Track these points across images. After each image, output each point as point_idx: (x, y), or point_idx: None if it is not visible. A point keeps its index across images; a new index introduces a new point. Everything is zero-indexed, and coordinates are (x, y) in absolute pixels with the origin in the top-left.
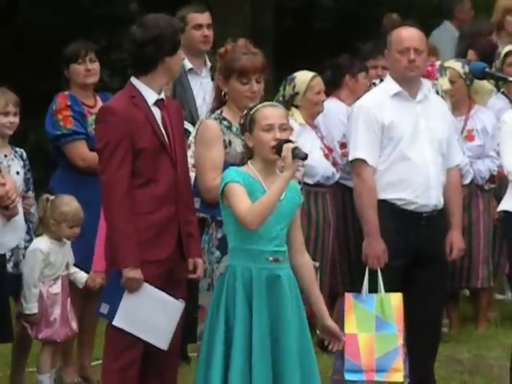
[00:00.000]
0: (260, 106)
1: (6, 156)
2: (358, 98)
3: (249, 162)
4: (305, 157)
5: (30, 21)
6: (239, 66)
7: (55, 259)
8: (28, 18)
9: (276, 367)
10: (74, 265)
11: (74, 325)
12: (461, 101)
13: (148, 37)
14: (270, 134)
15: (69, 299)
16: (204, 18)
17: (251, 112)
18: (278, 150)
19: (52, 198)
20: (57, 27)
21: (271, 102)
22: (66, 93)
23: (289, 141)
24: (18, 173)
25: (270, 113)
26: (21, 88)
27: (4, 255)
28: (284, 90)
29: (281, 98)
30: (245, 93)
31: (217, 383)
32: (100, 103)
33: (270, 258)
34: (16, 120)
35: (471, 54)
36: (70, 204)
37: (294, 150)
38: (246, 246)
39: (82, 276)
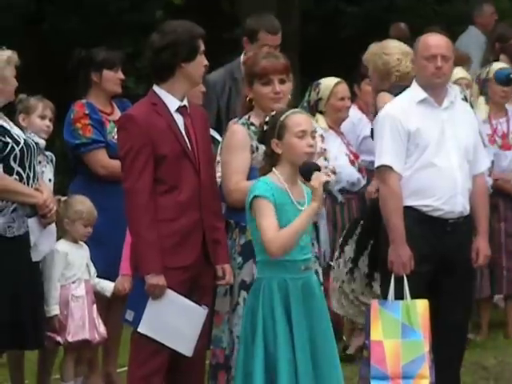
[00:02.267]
0: (289, 112)
1: (40, 162)
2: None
3: (274, 170)
4: (338, 200)
5: (56, 28)
6: (260, 69)
7: (73, 259)
8: (54, 26)
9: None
10: (97, 276)
11: (102, 330)
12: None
13: (164, 42)
14: (304, 140)
15: (95, 305)
16: (274, 39)
17: (281, 118)
18: (304, 169)
19: (64, 198)
20: (83, 34)
21: (298, 109)
22: (84, 101)
23: (318, 167)
24: (50, 180)
25: (302, 119)
26: (48, 94)
27: (38, 263)
28: (309, 95)
29: (305, 104)
30: (268, 95)
31: None
32: (117, 110)
33: (303, 267)
34: (51, 126)
35: (503, 58)
36: (84, 202)
37: (326, 184)
38: (279, 258)
39: (107, 284)
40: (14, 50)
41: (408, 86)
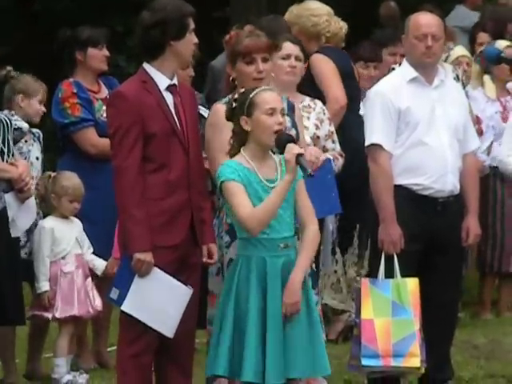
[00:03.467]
0: (258, 89)
1: (26, 141)
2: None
3: (242, 150)
4: (307, 169)
5: (48, 8)
6: (243, 48)
7: (61, 235)
8: (45, 5)
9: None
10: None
11: (98, 304)
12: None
13: (153, 20)
14: (273, 117)
15: (89, 279)
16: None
17: (251, 95)
18: (278, 142)
19: (54, 174)
20: (74, 14)
21: (268, 87)
22: (71, 80)
23: (292, 138)
24: (37, 158)
25: (272, 97)
26: (39, 74)
27: (18, 238)
28: None
29: None
30: (251, 74)
31: (222, 370)
32: (104, 88)
33: (281, 245)
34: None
35: (482, 36)
36: (70, 179)
37: (299, 156)
38: (257, 236)
39: (100, 263)
40: (5, 29)
41: (339, 48)
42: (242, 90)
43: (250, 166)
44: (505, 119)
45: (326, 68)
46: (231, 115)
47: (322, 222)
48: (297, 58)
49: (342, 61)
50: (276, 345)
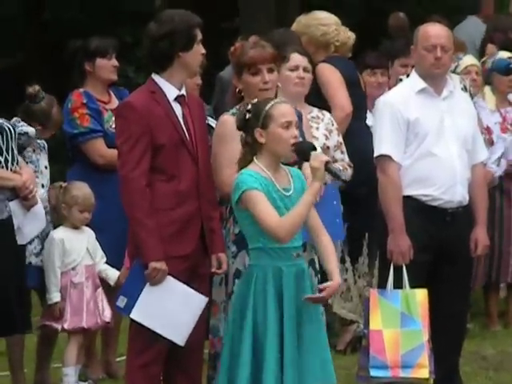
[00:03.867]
0: (274, 101)
1: (34, 150)
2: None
3: (255, 160)
4: (337, 174)
5: (57, 17)
6: (247, 59)
7: (71, 246)
8: (54, 15)
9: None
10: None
11: (108, 315)
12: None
13: (162, 32)
14: (289, 131)
15: (100, 289)
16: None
17: (266, 108)
18: (298, 150)
19: (65, 184)
20: (83, 24)
21: (282, 99)
22: (81, 90)
23: (313, 146)
24: (46, 167)
25: (288, 110)
26: (49, 83)
27: (24, 246)
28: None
29: None
30: (257, 85)
31: (245, 382)
32: (114, 99)
33: (294, 254)
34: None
35: (491, 47)
36: (81, 189)
37: (328, 163)
38: (271, 246)
39: (113, 273)
40: (16, 38)
41: (345, 58)
42: (255, 100)
43: (266, 176)
44: (504, 130)
45: (331, 77)
46: (243, 125)
47: None
48: (305, 70)
49: (347, 70)
50: (294, 355)
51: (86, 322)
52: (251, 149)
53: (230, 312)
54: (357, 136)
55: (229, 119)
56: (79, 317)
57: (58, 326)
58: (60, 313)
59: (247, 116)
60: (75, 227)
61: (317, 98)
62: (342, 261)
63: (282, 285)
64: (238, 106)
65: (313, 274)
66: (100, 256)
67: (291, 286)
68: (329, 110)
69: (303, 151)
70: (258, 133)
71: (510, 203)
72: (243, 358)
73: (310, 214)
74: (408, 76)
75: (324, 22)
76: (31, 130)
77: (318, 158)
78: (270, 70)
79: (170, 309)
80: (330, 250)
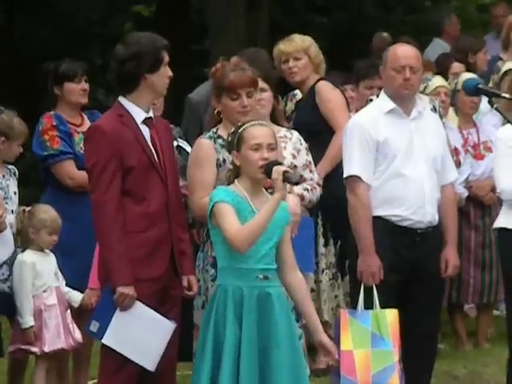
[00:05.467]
0: (248, 124)
1: (3, 176)
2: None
3: (236, 181)
4: (296, 181)
5: (27, 39)
6: (227, 83)
7: (42, 268)
8: (24, 36)
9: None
10: (66, 285)
11: (78, 335)
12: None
13: (128, 54)
14: (258, 153)
15: (68, 311)
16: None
17: (239, 130)
18: (266, 170)
19: (29, 208)
20: (52, 46)
21: (260, 121)
22: (52, 113)
23: (279, 163)
24: (15, 193)
25: (259, 132)
26: (18, 104)
27: None
28: (285, 106)
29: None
30: (236, 108)
31: None
32: (87, 122)
33: (260, 276)
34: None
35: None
36: (48, 211)
37: (285, 173)
38: (236, 265)
39: (75, 295)
40: None
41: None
42: (239, 123)
43: (242, 196)
44: (465, 152)
45: (334, 96)
46: (227, 149)
47: None
48: (262, 90)
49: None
50: (250, 380)
51: (64, 343)
52: (233, 172)
53: (199, 332)
54: None
55: (204, 142)
56: (57, 338)
57: (36, 350)
58: (35, 336)
59: (229, 139)
60: (42, 250)
61: (311, 114)
62: (334, 277)
63: (242, 305)
64: (215, 129)
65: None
66: (61, 279)
67: (252, 309)
68: (325, 125)
69: (268, 170)
70: (234, 155)
71: (470, 224)
72: (203, 375)
73: (284, 249)
74: (377, 96)
75: (314, 42)
76: None
77: (276, 170)
78: (250, 94)
79: (139, 334)
80: (303, 292)
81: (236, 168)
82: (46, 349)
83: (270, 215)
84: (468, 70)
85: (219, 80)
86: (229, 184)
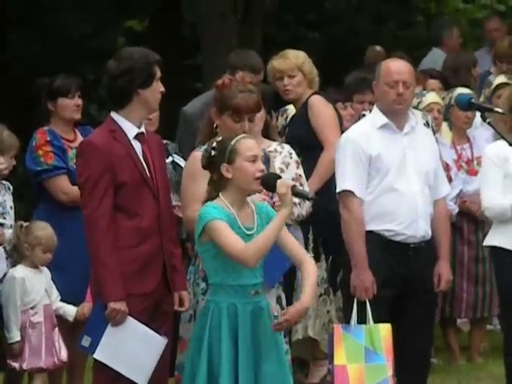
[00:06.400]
0: (239, 137)
1: (0, 191)
2: None
3: (221, 195)
4: (309, 196)
5: (18, 55)
6: (233, 105)
7: (31, 285)
8: (16, 53)
9: None
10: (60, 300)
11: (64, 354)
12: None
13: (120, 69)
14: (255, 165)
15: (56, 329)
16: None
17: (232, 143)
18: (265, 182)
19: (26, 224)
20: (45, 62)
21: (247, 134)
22: (45, 128)
23: (277, 175)
24: (11, 207)
25: (252, 144)
26: (10, 121)
27: None
28: (277, 121)
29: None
30: (236, 131)
31: None
32: (80, 137)
33: (252, 292)
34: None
35: (433, 83)
36: (44, 229)
37: (294, 187)
38: (229, 282)
39: (69, 309)
40: None
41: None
42: (220, 138)
43: (230, 212)
44: (459, 168)
45: (326, 112)
46: (208, 163)
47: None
48: None
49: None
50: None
51: (44, 362)
52: (216, 186)
53: (188, 348)
54: None
55: (199, 155)
56: (38, 357)
57: (16, 365)
58: (19, 352)
59: (212, 153)
60: (34, 266)
61: (305, 128)
62: (326, 293)
63: (237, 322)
64: (209, 143)
65: (279, 310)
66: (56, 295)
67: (247, 324)
68: (316, 139)
69: (269, 182)
70: (224, 168)
71: (463, 240)
72: None
73: (289, 241)
74: (370, 111)
75: (307, 58)
76: None
77: (283, 184)
78: (252, 118)
79: (131, 350)
80: (310, 273)
81: (221, 183)
82: (25, 366)
83: (276, 232)
84: (446, 87)
85: (225, 98)
86: (212, 199)
